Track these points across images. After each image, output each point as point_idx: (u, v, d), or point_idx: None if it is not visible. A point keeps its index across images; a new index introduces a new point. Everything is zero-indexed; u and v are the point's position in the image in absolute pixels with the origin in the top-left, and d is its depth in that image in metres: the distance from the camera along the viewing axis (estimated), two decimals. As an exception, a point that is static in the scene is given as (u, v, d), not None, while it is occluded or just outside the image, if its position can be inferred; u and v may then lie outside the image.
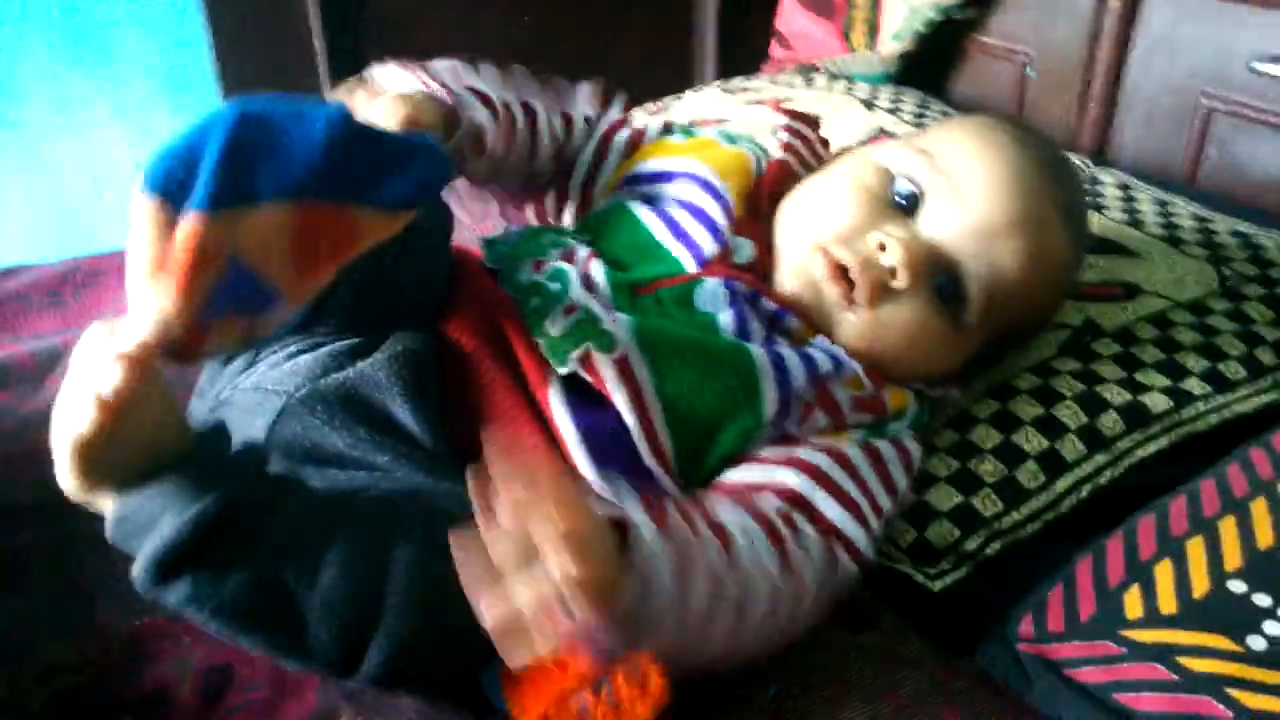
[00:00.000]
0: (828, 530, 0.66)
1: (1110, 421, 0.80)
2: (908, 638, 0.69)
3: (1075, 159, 1.14)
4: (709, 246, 0.74)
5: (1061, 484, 0.78)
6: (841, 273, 0.71)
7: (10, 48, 1.46)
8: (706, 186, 0.77)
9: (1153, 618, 0.62)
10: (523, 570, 0.47)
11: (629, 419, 0.64)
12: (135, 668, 0.68)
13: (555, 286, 0.69)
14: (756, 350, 0.68)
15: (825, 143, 0.89)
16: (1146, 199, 1.08)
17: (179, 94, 1.56)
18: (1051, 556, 0.70)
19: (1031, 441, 0.79)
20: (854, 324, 0.72)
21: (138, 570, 0.56)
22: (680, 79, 1.77)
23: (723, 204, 0.75)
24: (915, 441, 0.75)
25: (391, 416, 0.63)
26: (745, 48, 1.78)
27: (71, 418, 0.53)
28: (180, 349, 0.53)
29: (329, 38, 1.55)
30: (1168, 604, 0.62)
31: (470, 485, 0.50)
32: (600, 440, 0.64)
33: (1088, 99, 1.30)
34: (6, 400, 0.92)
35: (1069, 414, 0.80)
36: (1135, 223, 1.03)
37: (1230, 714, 0.55)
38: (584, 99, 0.86)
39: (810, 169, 0.82)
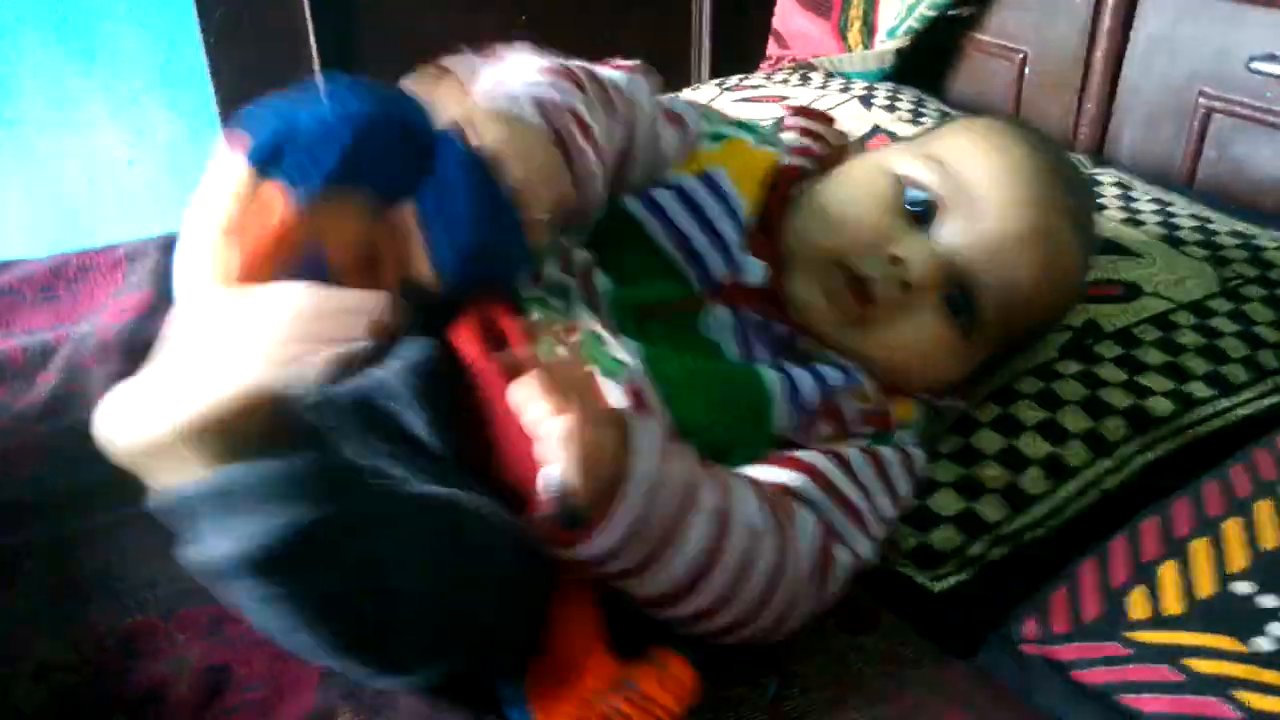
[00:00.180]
0: (825, 524, 0.66)
1: (1114, 426, 0.80)
2: (909, 639, 0.69)
3: (1073, 159, 1.14)
4: (719, 269, 0.71)
5: (1066, 490, 0.77)
6: (858, 287, 0.71)
7: (5, 45, 1.45)
8: (723, 200, 0.74)
9: (1158, 619, 0.61)
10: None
11: None
12: (131, 666, 0.67)
13: (558, 303, 0.67)
14: (768, 374, 0.68)
15: (843, 135, 0.87)
16: (1145, 198, 1.08)
17: (173, 90, 1.55)
18: (1055, 560, 0.70)
19: (1035, 446, 0.79)
20: (867, 338, 0.71)
21: (217, 557, 0.50)
22: (677, 78, 1.76)
23: (736, 221, 0.73)
24: (919, 449, 0.75)
25: (405, 427, 0.62)
26: (742, 46, 1.78)
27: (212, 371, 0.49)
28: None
29: (322, 33, 1.54)
30: (1172, 605, 0.62)
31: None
32: None
33: (1085, 98, 1.30)
34: (-1, 396, 0.91)
35: (1072, 419, 0.80)
36: (1134, 222, 1.03)
37: (1238, 715, 0.54)
38: (639, 88, 0.77)
39: (824, 169, 0.80)
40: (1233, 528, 0.66)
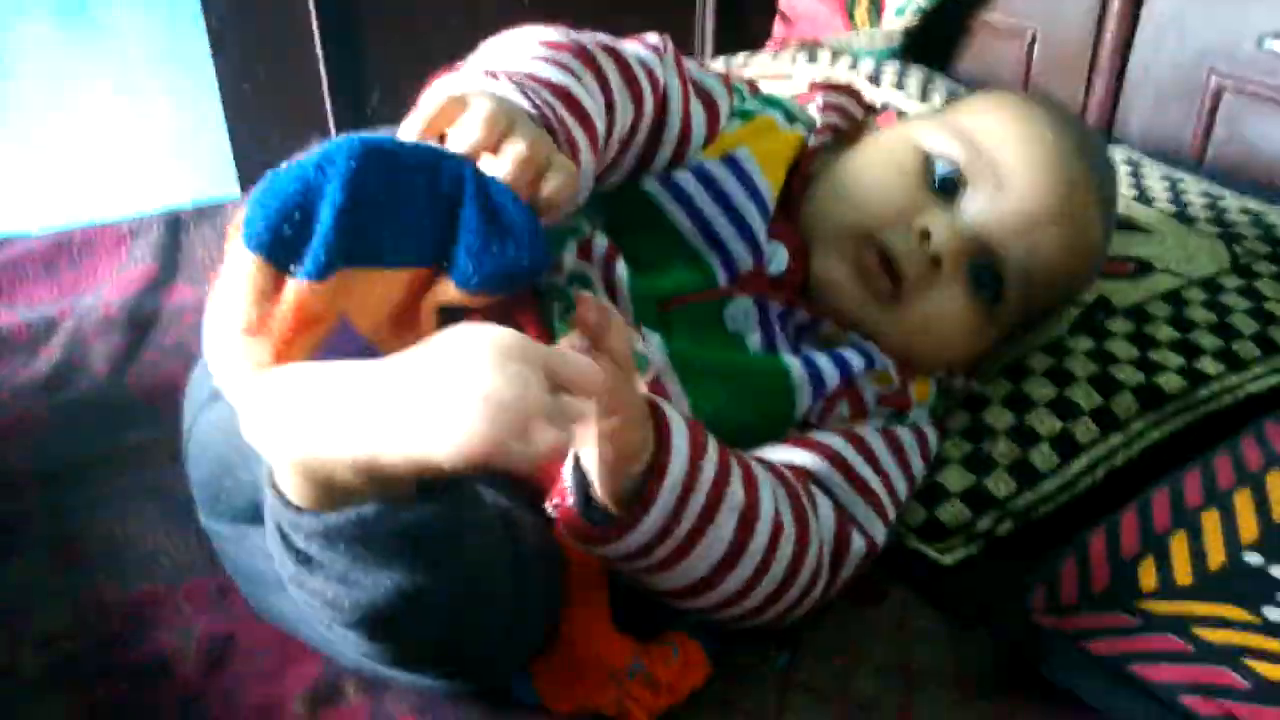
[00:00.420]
0: (843, 513, 0.66)
1: (1124, 403, 0.79)
2: (918, 610, 0.69)
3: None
4: (743, 258, 0.70)
5: (1075, 466, 0.77)
6: (887, 263, 0.70)
7: (5, 23, 1.44)
8: (748, 184, 0.71)
9: (1168, 589, 0.61)
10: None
11: None
12: (135, 635, 0.67)
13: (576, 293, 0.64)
14: (791, 362, 0.67)
15: (870, 107, 0.85)
16: (1155, 175, 1.07)
17: (173, 69, 1.54)
18: (1064, 535, 0.69)
19: (1045, 423, 0.78)
20: (893, 317, 0.70)
21: (329, 597, 0.48)
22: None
23: (761, 207, 0.71)
24: (932, 426, 0.74)
25: None
26: (746, 26, 1.76)
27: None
28: None
29: (325, 15, 1.53)
30: (1183, 575, 0.62)
31: None
32: None
33: (1095, 77, 1.29)
34: (2, 369, 0.91)
35: (1082, 395, 0.79)
36: (1145, 200, 1.02)
37: (1247, 684, 0.54)
38: (669, 67, 0.73)
39: (845, 145, 0.78)
40: (1243, 499, 0.66)
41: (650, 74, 0.69)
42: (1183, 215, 0.98)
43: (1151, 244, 0.94)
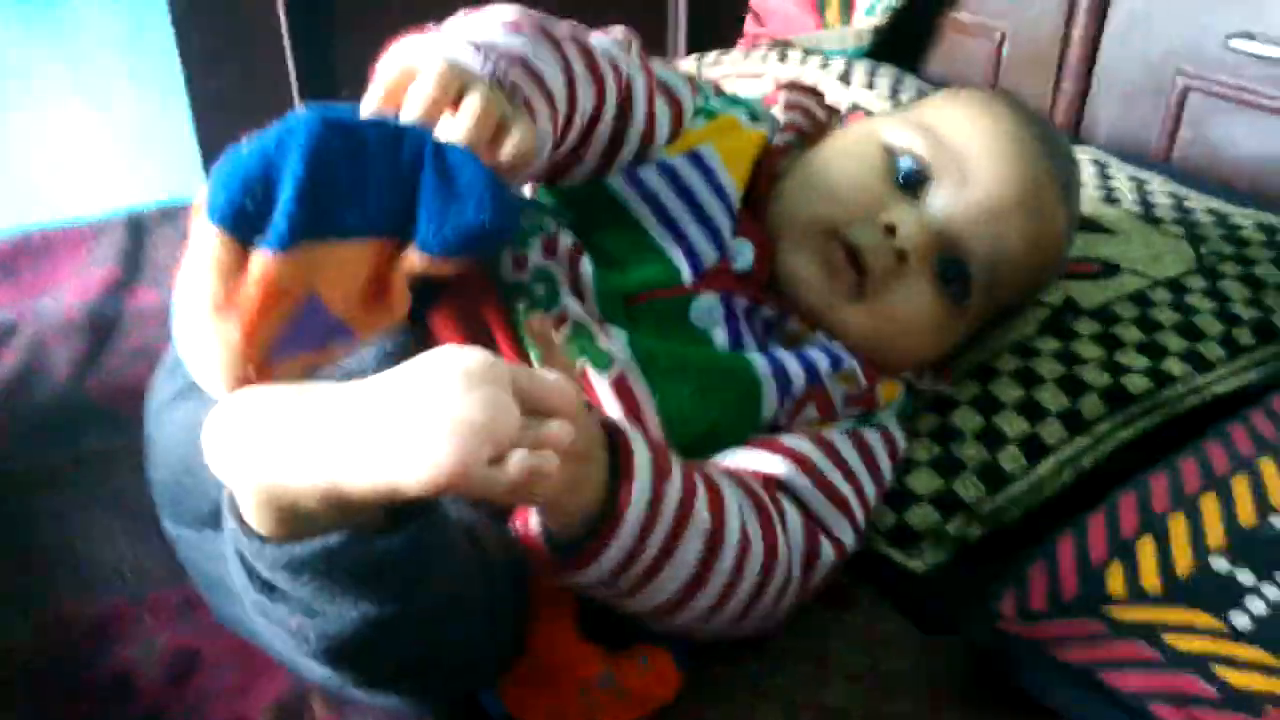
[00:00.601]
0: (812, 520, 0.66)
1: (1091, 404, 0.79)
2: (888, 617, 0.69)
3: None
4: (708, 254, 0.69)
5: (1043, 468, 0.77)
6: (852, 259, 0.69)
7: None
8: (712, 181, 0.71)
9: (1136, 595, 0.62)
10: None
11: None
12: (97, 650, 0.66)
13: (541, 290, 0.64)
14: (757, 360, 0.67)
15: (834, 110, 0.85)
16: (1122, 176, 1.07)
17: (138, 63, 1.52)
18: (1034, 538, 0.69)
19: (1013, 425, 0.78)
20: (860, 313, 0.70)
21: (292, 627, 0.47)
22: (653, 54, 1.74)
23: (726, 203, 0.70)
24: (900, 428, 0.74)
25: None
26: (718, 24, 1.76)
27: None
28: (244, 386, 0.48)
29: (293, 12, 1.51)
30: (1151, 581, 0.62)
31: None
32: None
33: (1063, 76, 1.29)
34: (-40, 375, 0.90)
35: (1050, 397, 0.80)
36: (1111, 200, 1.02)
37: (1214, 691, 0.54)
38: (634, 64, 0.72)
39: (810, 144, 0.78)
40: (1210, 503, 0.66)
41: (614, 64, 0.68)
42: (1149, 216, 0.99)
43: (1117, 244, 0.94)
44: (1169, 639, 0.57)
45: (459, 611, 0.51)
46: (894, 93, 1.28)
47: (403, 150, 0.50)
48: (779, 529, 0.62)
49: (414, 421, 0.41)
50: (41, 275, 1.03)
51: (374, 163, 0.49)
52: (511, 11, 0.65)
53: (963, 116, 0.74)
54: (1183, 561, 0.63)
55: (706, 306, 0.68)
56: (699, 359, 0.67)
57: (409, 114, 0.51)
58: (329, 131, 0.48)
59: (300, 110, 0.49)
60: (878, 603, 0.70)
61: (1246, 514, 0.65)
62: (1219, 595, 0.60)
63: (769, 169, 0.75)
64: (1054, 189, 0.73)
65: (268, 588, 0.46)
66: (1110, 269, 0.91)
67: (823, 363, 0.68)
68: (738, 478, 0.63)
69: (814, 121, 0.81)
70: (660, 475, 0.55)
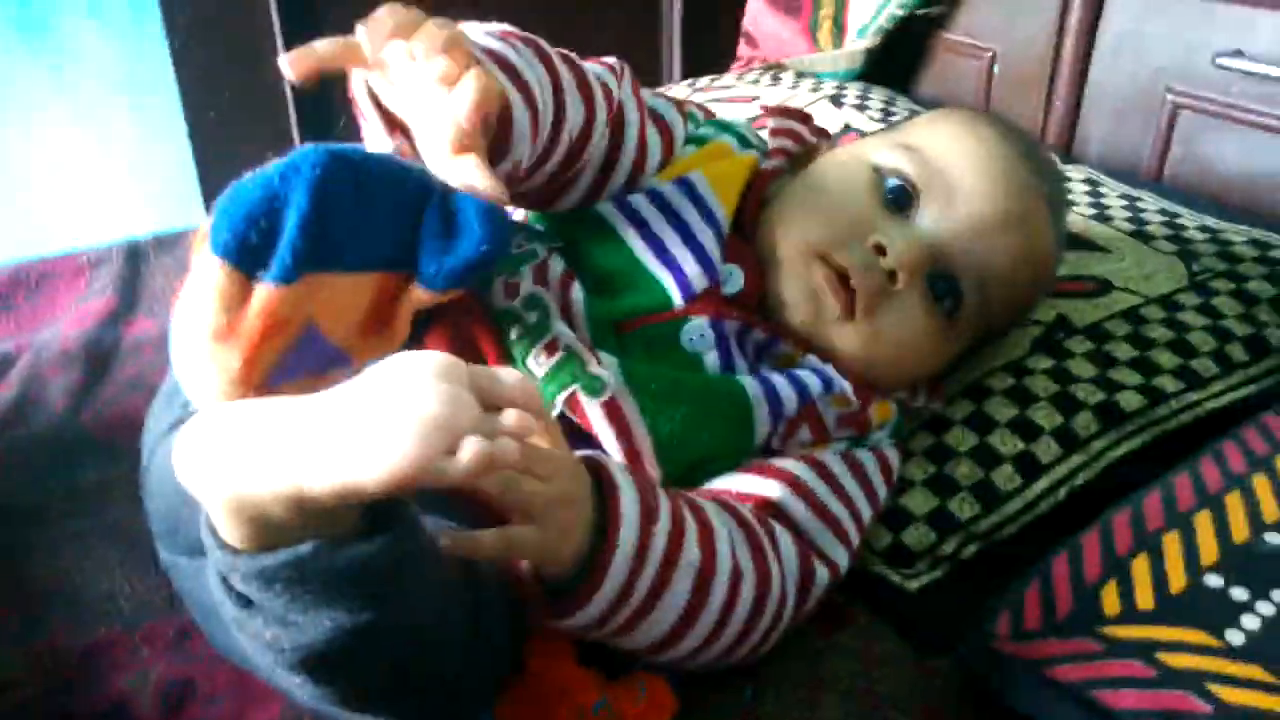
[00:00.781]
0: (805, 544, 0.65)
1: (1085, 422, 0.79)
2: (884, 637, 0.69)
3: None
4: (698, 279, 0.69)
5: (1038, 486, 0.77)
6: (842, 280, 0.70)
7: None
8: (702, 206, 0.71)
9: (1131, 614, 0.61)
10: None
11: (617, 459, 0.63)
12: (92, 680, 0.66)
13: (533, 317, 0.65)
14: (748, 382, 0.67)
15: (822, 133, 0.85)
16: (1114, 194, 1.08)
17: (135, 91, 1.53)
18: (1030, 557, 0.69)
19: (1007, 444, 0.78)
20: (851, 334, 0.70)
21: (266, 639, 0.47)
22: (647, 79, 1.74)
23: (716, 228, 0.71)
24: (894, 449, 0.74)
25: None
26: (712, 47, 1.77)
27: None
28: None
29: (289, 38, 1.52)
30: (1145, 599, 0.62)
31: None
32: None
33: (1054, 96, 1.30)
34: (-44, 407, 0.90)
35: (1044, 415, 0.80)
36: (1103, 218, 1.03)
37: (1209, 709, 0.54)
38: (627, 92, 0.73)
39: (799, 167, 0.79)
40: (1203, 520, 0.66)
41: (604, 85, 0.69)
42: (1141, 233, 0.99)
43: (1110, 262, 0.94)
44: (1163, 657, 0.57)
45: (439, 626, 0.51)
46: (886, 114, 1.29)
47: (406, 189, 0.51)
48: (771, 557, 0.62)
49: (371, 419, 0.41)
50: (39, 306, 1.03)
51: (378, 198, 0.50)
52: (506, 26, 0.65)
53: (948, 135, 0.74)
54: (1176, 579, 0.62)
55: (697, 330, 0.68)
56: (691, 383, 0.67)
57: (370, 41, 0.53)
58: (335, 166, 0.48)
59: (305, 145, 0.50)
60: (873, 623, 0.70)
61: (1240, 530, 0.64)
62: (1213, 612, 0.60)
63: (758, 194, 0.75)
64: (1041, 204, 0.73)
65: (243, 602, 0.46)
66: (1103, 286, 0.91)
67: (814, 384, 0.68)
68: (729, 506, 0.63)
69: (803, 145, 0.81)
70: (647, 516, 0.55)
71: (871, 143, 0.77)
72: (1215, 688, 0.55)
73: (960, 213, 0.71)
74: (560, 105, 0.63)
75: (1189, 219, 1.02)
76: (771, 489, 0.66)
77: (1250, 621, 0.59)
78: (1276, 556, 0.63)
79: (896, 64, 1.48)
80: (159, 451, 0.66)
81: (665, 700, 0.61)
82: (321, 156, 0.48)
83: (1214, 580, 0.62)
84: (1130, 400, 0.81)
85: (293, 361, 0.49)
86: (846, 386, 0.70)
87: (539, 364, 0.63)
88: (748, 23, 1.66)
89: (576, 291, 0.66)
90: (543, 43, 0.66)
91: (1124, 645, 0.59)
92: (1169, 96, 1.17)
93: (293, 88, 1.54)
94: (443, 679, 0.53)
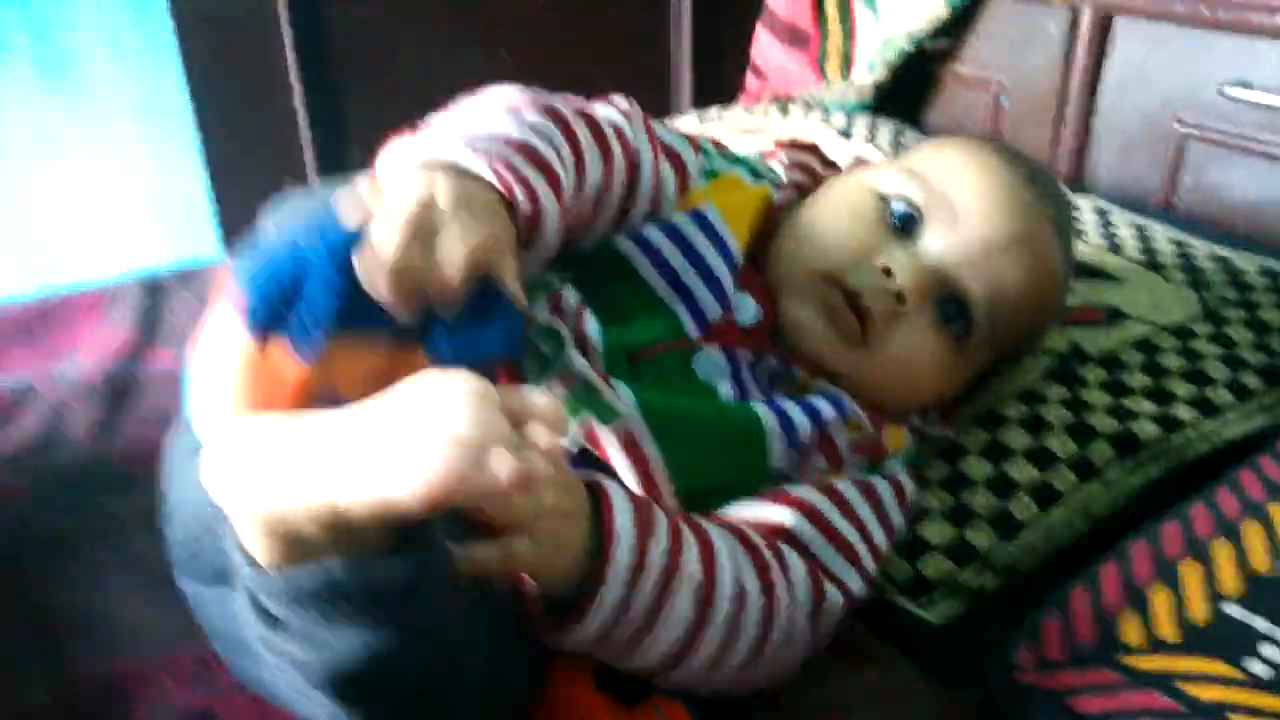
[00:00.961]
0: (816, 566, 0.66)
1: (1101, 450, 0.80)
2: (906, 671, 0.68)
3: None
4: (711, 309, 0.70)
5: (1055, 514, 0.77)
6: (853, 303, 0.71)
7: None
8: (714, 237, 0.72)
9: (1152, 644, 0.61)
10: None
11: (634, 488, 0.63)
12: (113, 710, 0.66)
13: (548, 348, 0.65)
14: (763, 411, 0.67)
15: (832, 164, 0.87)
16: (1124, 224, 1.09)
17: (152, 124, 1.55)
18: (1048, 587, 0.69)
19: (1023, 472, 0.79)
20: (864, 356, 0.71)
21: (299, 657, 0.47)
22: (656, 111, 1.76)
23: (729, 259, 0.72)
24: (909, 477, 0.75)
25: None
26: (720, 80, 1.79)
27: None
28: None
29: (304, 71, 1.54)
30: (1166, 630, 0.62)
31: None
32: None
33: (1062, 127, 1.31)
34: (-22, 439, 0.91)
35: (1059, 444, 0.80)
36: (1114, 248, 1.03)
37: (1232, 740, 0.54)
38: (640, 133, 0.74)
39: (807, 196, 0.80)
40: (1222, 550, 0.66)
41: (619, 133, 0.71)
42: (1152, 263, 1.00)
43: (1122, 292, 0.95)
44: (1185, 688, 0.57)
45: (463, 645, 0.51)
46: (896, 145, 1.30)
47: None
48: (778, 577, 0.62)
49: (407, 437, 0.42)
50: (60, 339, 1.04)
51: None
52: (513, 93, 0.67)
53: (952, 161, 0.75)
54: (1197, 609, 0.63)
55: (711, 359, 0.69)
56: (705, 411, 0.67)
57: (387, 230, 0.52)
58: (359, 239, 0.50)
59: (326, 213, 0.52)
60: (893, 655, 0.70)
61: (1259, 560, 0.65)
62: (1235, 643, 0.60)
63: (771, 225, 0.76)
64: (1046, 226, 0.74)
65: (271, 620, 0.47)
66: (1115, 316, 0.92)
67: (828, 411, 0.69)
68: (734, 529, 0.63)
69: (814, 177, 0.82)
70: (644, 531, 0.55)
71: (875, 170, 0.78)
72: (1238, 719, 0.55)
73: (965, 235, 0.72)
74: (581, 170, 0.65)
75: (1200, 248, 1.03)
76: (783, 514, 0.66)
77: (1272, 652, 0.59)
78: (1297, 586, 0.63)
79: (905, 96, 1.49)
80: (178, 481, 0.66)
81: (681, 716, 0.61)
82: (346, 230, 0.50)
83: (1234, 610, 0.62)
84: (1146, 429, 0.81)
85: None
86: (860, 412, 0.70)
87: (554, 394, 0.63)
88: (755, 55, 1.67)
89: (591, 322, 0.67)
90: (557, 103, 0.67)
91: (1145, 676, 0.59)
92: (1176, 127, 1.18)
93: (308, 119, 1.56)
94: (466, 702, 0.53)
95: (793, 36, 1.60)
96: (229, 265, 0.54)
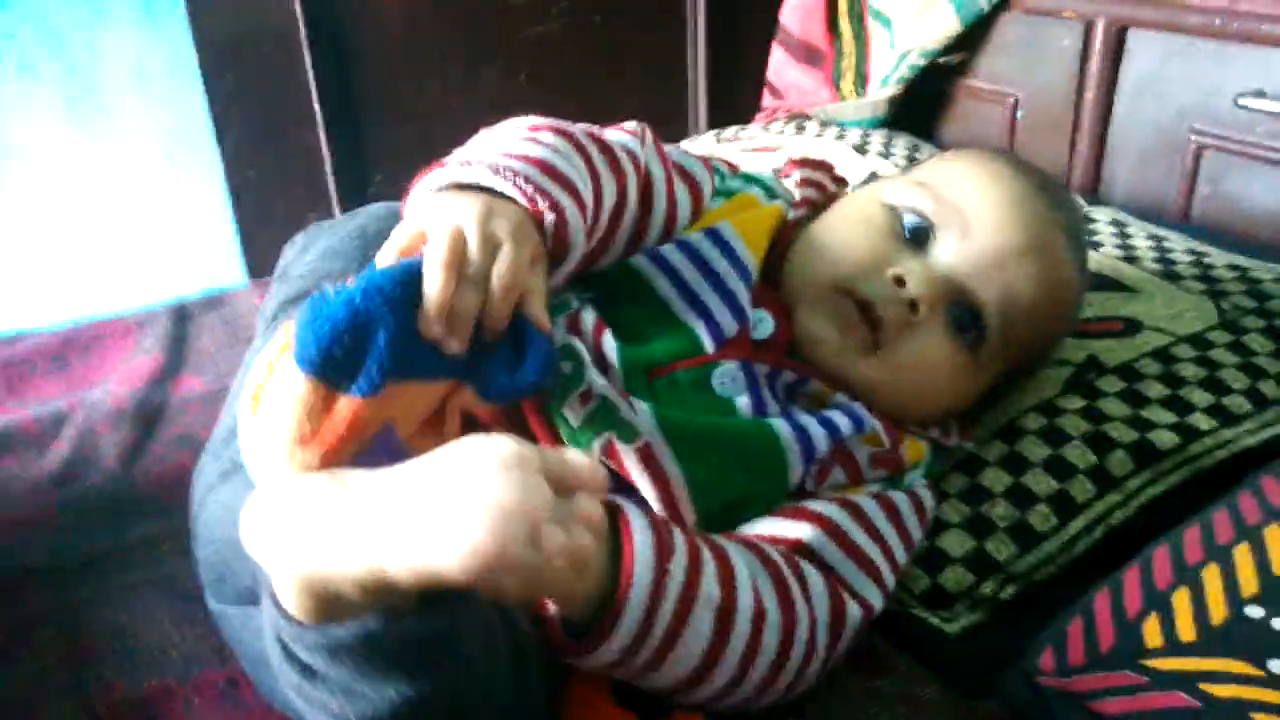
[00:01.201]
0: (836, 581, 0.66)
1: (1119, 461, 0.80)
2: (925, 681, 0.68)
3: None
4: (728, 325, 0.71)
5: (1074, 525, 0.77)
6: (866, 312, 0.72)
7: (12, 109, 1.47)
8: (730, 254, 0.73)
9: (1173, 646, 0.61)
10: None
11: (654, 505, 0.64)
12: (145, 731, 0.67)
13: (568, 367, 0.65)
14: (780, 425, 0.68)
15: (842, 181, 0.88)
16: (1141, 235, 1.09)
17: (178, 157, 1.58)
18: (1069, 597, 0.69)
19: (1042, 483, 0.79)
20: (879, 365, 0.72)
21: (334, 709, 0.48)
22: (674, 130, 1.79)
23: (745, 275, 0.73)
24: (928, 490, 0.75)
25: None
26: (737, 98, 1.81)
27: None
28: None
29: (326, 100, 1.57)
30: (1187, 632, 0.62)
31: None
32: None
33: (1078, 139, 1.32)
34: (11, 465, 0.92)
35: (1078, 454, 0.80)
36: (1131, 259, 1.04)
37: (1255, 741, 0.54)
38: (652, 154, 0.76)
39: (819, 212, 0.81)
40: (1243, 553, 0.66)
41: (632, 155, 0.73)
42: (1169, 273, 1.00)
43: (1139, 303, 0.95)
44: (1207, 687, 0.57)
45: (489, 679, 0.52)
46: (911, 160, 1.31)
47: None
48: (798, 595, 0.62)
49: (451, 505, 0.43)
50: (91, 366, 1.06)
51: None
52: (526, 120, 0.70)
53: (963, 172, 0.76)
54: (1218, 611, 0.62)
55: (728, 374, 0.70)
56: (723, 427, 0.68)
57: (430, 276, 0.55)
58: (414, 287, 0.53)
59: (380, 264, 0.55)
60: (914, 667, 0.70)
61: (1279, 562, 0.64)
62: (1256, 643, 0.60)
63: (786, 241, 0.77)
64: (1059, 235, 0.75)
65: (307, 670, 0.48)
66: (1132, 327, 0.92)
67: (845, 424, 0.69)
68: (753, 546, 0.63)
69: (826, 194, 0.83)
70: (663, 553, 0.56)
71: (886, 183, 0.79)
72: (1261, 717, 0.55)
73: (977, 244, 0.72)
74: (598, 192, 0.67)
75: (1217, 258, 1.03)
76: (802, 530, 0.66)
77: None
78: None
79: (920, 111, 1.50)
80: (208, 501, 0.68)
81: None
82: (402, 275, 0.53)
83: (1255, 611, 0.62)
84: (1164, 439, 0.81)
85: (366, 458, 0.52)
86: (877, 425, 0.71)
87: (574, 413, 0.64)
88: (771, 74, 1.69)
89: (609, 340, 0.68)
90: (572, 129, 0.70)
91: (1167, 677, 0.59)
92: (1192, 137, 1.18)
93: (331, 148, 1.59)
94: None
95: (808, 54, 1.62)
96: (288, 314, 0.58)
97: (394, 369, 0.52)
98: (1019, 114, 1.40)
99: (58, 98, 1.50)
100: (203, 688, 0.70)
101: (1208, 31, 1.14)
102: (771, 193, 0.81)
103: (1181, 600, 0.65)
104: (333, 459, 0.50)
